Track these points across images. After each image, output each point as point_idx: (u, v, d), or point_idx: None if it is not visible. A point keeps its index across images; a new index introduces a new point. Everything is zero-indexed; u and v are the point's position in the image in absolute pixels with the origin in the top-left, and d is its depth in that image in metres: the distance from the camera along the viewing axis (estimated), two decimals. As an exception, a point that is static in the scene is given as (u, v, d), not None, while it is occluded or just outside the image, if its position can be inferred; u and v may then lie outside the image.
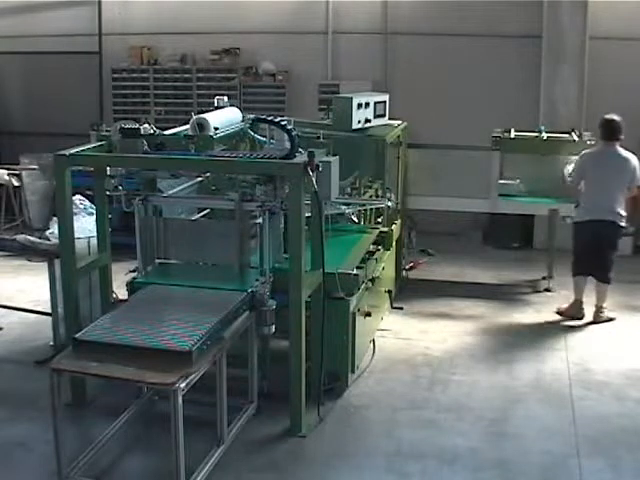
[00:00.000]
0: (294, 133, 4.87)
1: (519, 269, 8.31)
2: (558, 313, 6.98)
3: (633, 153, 6.79)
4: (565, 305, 7.04)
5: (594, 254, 6.82)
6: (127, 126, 5.15)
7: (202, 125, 5.40)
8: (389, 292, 6.78)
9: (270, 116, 5.18)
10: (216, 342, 4.27)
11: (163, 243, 5.17)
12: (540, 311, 7.13)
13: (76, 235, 5.17)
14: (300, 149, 4.91)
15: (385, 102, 6.91)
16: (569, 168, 7.13)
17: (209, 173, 5.53)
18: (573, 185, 6.91)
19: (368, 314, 5.80)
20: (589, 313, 6.92)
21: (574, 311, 6.91)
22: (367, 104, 6.69)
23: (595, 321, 6.83)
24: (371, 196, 6.71)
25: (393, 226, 6.87)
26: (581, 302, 6.92)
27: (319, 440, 4.83)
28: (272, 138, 5.17)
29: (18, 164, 9.70)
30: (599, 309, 6.87)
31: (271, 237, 4.93)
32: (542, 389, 5.57)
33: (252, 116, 5.40)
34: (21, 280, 7.73)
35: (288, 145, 4.91)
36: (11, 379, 5.65)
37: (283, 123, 4.95)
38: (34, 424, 4.87)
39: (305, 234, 4.73)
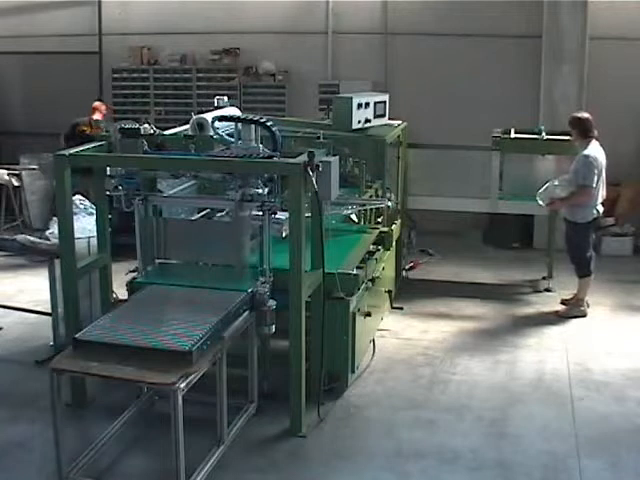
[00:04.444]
0: (275, 129, 4.87)
1: (519, 269, 8.31)
2: (560, 314, 6.99)
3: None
4: (568, 297, 7.15)
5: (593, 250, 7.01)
6: (127, 126, 5.15)
7: (202, 125, 5.40)
8: (389, 292, 6.78)
9: (257, 116, 5.14)
10: (216, 342, 4.26)
11: (163, 243, 5.16)
12: (540, 311, 7.13)
13: (76, 235, 5.17)
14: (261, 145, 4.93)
15: (385, 102, 6.91)
16: (557, 191, 7.00)
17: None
18: (592, 189, 6.69)
19: (368, 314, 5.80)
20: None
21: (580, 311, 6.95)
22: (367, 104, 6.69)
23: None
24: (371, 196, 6.71)
25: (393, 226, 6.87)
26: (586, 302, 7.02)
27: (319, 440, 4.83)
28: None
29: (18, 164, 9.71)
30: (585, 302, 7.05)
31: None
32: (542, 389, 5.57)
33: (217, 115, 5.31)
34: (21, 280, 7.73)
35: (254, 144, 4.92)
36: (11, 379, 5.65)
37: (269, 123, 4.93)
38: (34, 424, 4.87)
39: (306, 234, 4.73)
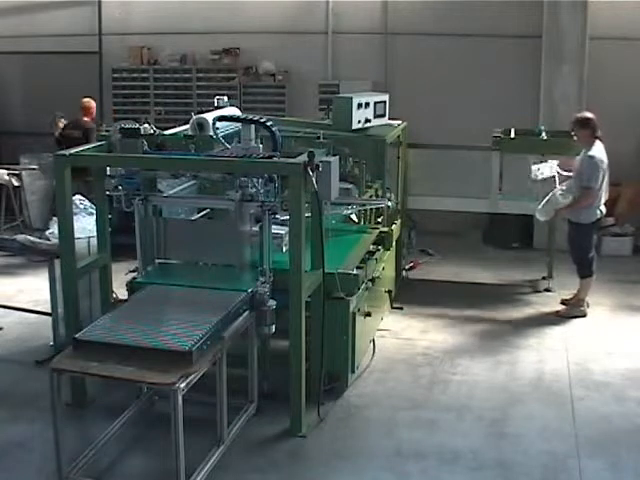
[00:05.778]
0: (274, 129, 4.87)
1: (519, 269, 8.31)
2: (560, 314, 6.99)
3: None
4: (568, 297, 7.15)
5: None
6: (127, 126, 5.15)
7: (202, 125, 5.40)
8: (389, 292, 6.78)
9: (257, 116, 5.15)
10: (216, 342, 4.26)
11: (163, 243, 5.16)
12: (540, 311, 7.13)
13: (76, 235, 5.17)
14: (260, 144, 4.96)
15: (385, 102, 6.91)
16: (560, 200, 6.95)
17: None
18: (595, 190, 6.65)
19: (368, 314, 5.80)
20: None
21: (580, 311, 6.95)
22: (367, 104, 6.69)
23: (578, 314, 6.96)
24: (371, 196, 6.71)
25: (393, 226, 6.87)
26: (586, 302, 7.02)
27: (319, 440, 4.82)
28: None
29: (18, 164, 9.71)
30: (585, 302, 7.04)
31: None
32: (542, 389, 5.57)
33: (217, 115, 5.30)
34: (21, 280, 7.73)
35: (254, 144, 4.94)
36: (11, 379, 5.65)
37: (267, 123, 4.94)
38: (34, 424, 4.87)
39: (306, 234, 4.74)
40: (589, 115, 6.83)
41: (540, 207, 7.03)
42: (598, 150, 6.69)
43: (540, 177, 7.08)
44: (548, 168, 7.13)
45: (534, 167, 7.11)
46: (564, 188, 6.99)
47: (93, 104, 9.13)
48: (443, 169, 7.84)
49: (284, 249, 5.17)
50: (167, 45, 10.40)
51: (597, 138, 6.73)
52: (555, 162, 7.11)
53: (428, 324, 6.78)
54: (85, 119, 8.96)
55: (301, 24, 9.94)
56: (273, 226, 4.98)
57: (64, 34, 10.38)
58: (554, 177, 7.09)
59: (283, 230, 5.14)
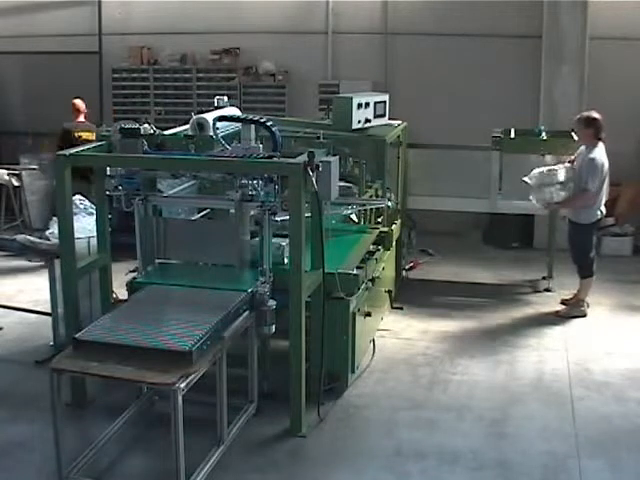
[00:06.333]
0: (274, 129, 4.88)
1: (519, 269, 8.31)
2: (560, 314, 6.98)
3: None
4: (568, 297, 7.15)
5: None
6: (127, 126, 5.15)
7: (202, 125, 5.40)
8: (389, 292, 6.78)
9: (257, 116, 5.15)
10: (216, 342, 4.27)
11: (163, 243, 5.17)
12: (540, 311, 7.13)
13: (76, 235, 5.17)
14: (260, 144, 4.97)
15: (385, 102, 6.91)
16: (554, 196, 6.86)
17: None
18: (592, 193, 6.62)
19: (368, 314, 5.80)
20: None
21: (580, 311, 6.95)
22: (367, 104, 6.69)
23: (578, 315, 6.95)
24: (371, 196, 6.71)
25: (393, 226, 6.87)
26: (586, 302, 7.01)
27: (319, 440, 4.83)
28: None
29: (18, 164, 9.72)
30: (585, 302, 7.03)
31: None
32: (542, 389, 5.57)
33: (218, 115, 5.30)
34: (21, 280, 7.73)
35: (254, 144, 4.95)
36: (11, 379, 5.65)
37: (268, 123, 4.95)
38: (34, 424, 4.87)
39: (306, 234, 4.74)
40: (595, 115, 6.73)
41: (533, 179, 6.83)
42: (600, 153, 6.65)
43: (540, 203, 7.01)
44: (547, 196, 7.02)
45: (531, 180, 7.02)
46: (562, 181, 6.92)
47: (83, 105, 9.10)
48: (443, 169, 7.84)
49: (285, 260, 5.14)
50: (167, 45, 10.40)
51: (600, 140, 6.69)
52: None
53: (428, 324, 6.78)
54: (82, 120, 8.95)
55: (301, 24, 9.94)
56: (274, 238, 4.99)
57: (64, 34, 10.38)
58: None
59: (284, 242, 5.11)
